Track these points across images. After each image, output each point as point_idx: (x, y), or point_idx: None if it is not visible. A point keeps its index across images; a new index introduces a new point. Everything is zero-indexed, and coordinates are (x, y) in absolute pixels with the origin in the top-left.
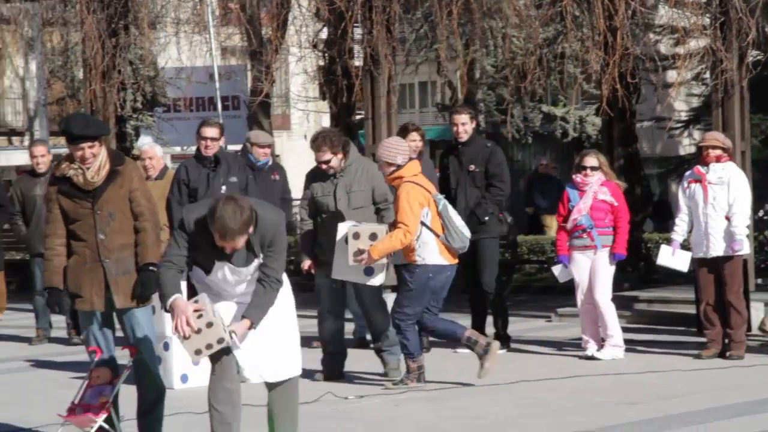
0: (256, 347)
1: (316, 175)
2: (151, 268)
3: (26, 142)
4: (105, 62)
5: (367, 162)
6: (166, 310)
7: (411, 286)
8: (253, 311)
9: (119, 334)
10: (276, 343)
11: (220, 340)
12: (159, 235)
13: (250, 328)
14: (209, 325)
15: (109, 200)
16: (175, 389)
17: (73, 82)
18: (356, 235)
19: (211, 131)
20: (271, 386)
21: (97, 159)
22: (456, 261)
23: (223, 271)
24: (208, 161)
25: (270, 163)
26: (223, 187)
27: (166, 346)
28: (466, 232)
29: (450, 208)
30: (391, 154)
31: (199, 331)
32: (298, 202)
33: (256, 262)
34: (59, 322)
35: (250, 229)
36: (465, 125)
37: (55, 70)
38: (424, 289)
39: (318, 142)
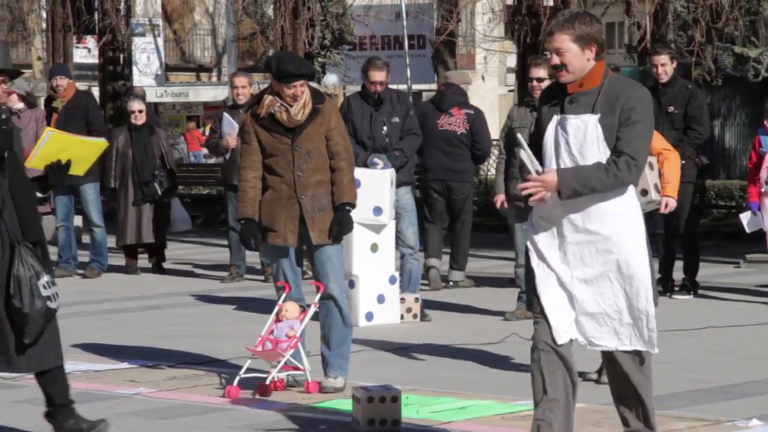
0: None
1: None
2: (347, 207)
3: (214, 79)
4: None
5: None
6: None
7: None
8: (569, 173)
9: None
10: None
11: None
12: (354, 173)
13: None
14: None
15: (309, 138)
16: (360, 327)
17: (263, 18)
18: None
19: (379, 75)
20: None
21: (301, 97)
22: None
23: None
24: (372, 99)
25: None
26: (384, 128)
27: (351, 284)
28: None
29: None
30: None
31: None
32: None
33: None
34: (252, 256)
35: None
36: (665, 66)
37: (245, 6)
38: None
39: (540, 59)
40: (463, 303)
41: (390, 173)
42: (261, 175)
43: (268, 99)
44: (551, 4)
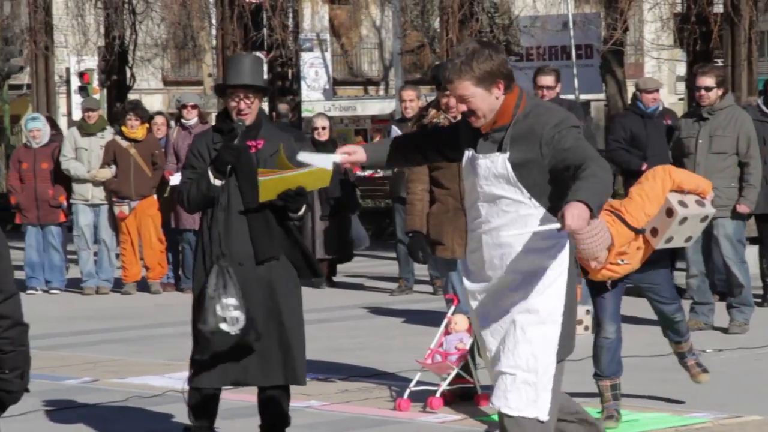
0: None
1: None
2: None
3: (381, 92)
4: (463, 11)
5: (738, 110)
6: None
7: None
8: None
9: None
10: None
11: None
12: None
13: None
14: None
15: None
16: None
17: (429, 31)
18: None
19: (545, 80)
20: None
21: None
22: None
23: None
24: None
25: (660, 108)
26: None
27: None
28: None
29: None
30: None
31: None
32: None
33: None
34: (421, 269)
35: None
36: None
37: (412, 20)
38: None
39: (707, 68)
40: (638, 315)
41: None
42: (428, 188)
43: (432, 111)
44: (721, 10)
